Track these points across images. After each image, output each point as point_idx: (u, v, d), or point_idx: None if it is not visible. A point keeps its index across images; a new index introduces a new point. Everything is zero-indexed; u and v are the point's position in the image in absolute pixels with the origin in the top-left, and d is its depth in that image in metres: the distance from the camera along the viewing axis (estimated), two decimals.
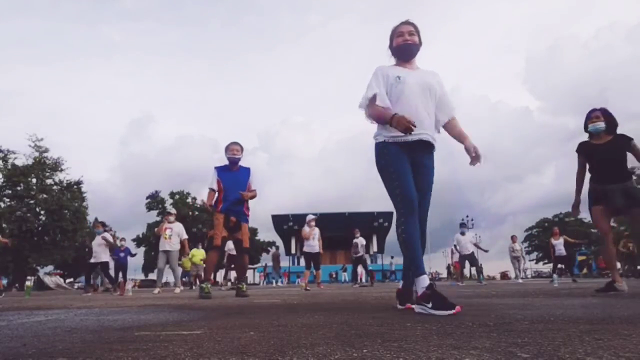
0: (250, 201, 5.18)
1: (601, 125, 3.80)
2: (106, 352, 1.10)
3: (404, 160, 2.35)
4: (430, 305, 1.96)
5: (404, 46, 2.45)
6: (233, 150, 5.05)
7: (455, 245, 11.52)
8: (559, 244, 11.42)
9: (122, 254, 12.00)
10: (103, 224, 9.90)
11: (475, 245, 11.88)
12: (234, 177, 5.04)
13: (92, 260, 9.42)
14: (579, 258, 33.70)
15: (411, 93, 2.37)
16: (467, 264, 11.52)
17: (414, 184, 2.34)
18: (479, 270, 11.74)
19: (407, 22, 2.49)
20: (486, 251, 12.85)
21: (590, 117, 3.87)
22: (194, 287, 13.21)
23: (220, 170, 5.09)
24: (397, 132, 2.27)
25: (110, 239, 9.70)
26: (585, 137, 4.03)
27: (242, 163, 5.20)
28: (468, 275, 20.50)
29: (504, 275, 33.90)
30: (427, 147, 2.41)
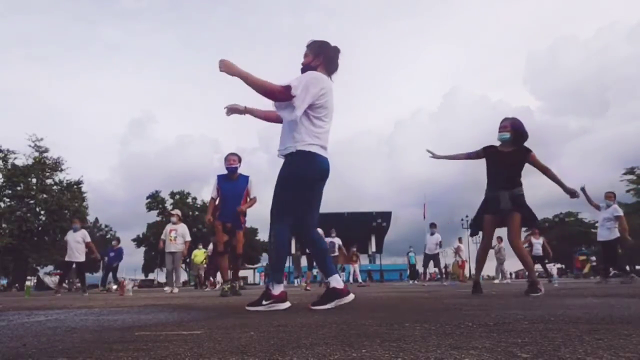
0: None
1: (507, 135, 3.94)
2: (106, 352, 1.10)
3: None
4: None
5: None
6: (230, 160, 5.36)
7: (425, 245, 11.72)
8: (537, 244, 11.75)
9: (112, 254, 11.90)
10: (81, 220, 9.62)
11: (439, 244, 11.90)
12: (232, 187, 5.37)
13: (66, 259, 8.98)
14: (580, 258, 33.67)
15: None
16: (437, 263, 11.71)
17: None
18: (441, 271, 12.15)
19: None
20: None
21: (501, 125, 4.00)
22: (200, 288, 13.22)
23: (221, 178, 5.43)
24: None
25: (88, 238, 9.18)
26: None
27: (241, 171, 5.49)
28: (468, 275, 20.49)
29: (520, 275, 33.11)
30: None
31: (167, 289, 8.71)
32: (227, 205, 5.29)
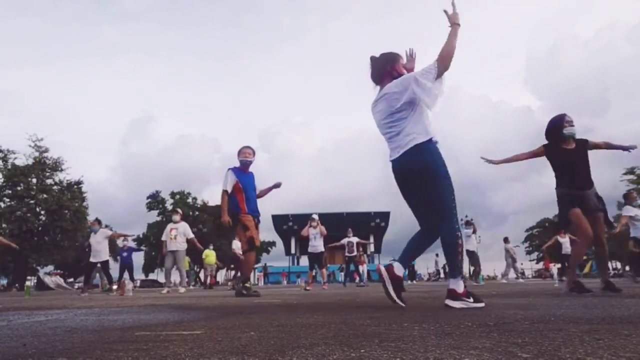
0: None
1: (575, 130, 3.90)
2: (106, 352, 1.10)
3: None
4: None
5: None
6: (245, 153, 5.19)
7: None
8: (565, 242, 11.33)
9: (125, 254, 11.95)
10: (99, 221, 9.77)
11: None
12: (249, 179, 5.20)
13: (92, 260, 9.18)
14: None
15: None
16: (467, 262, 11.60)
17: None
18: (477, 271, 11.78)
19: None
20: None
21: (567, 120, 3.93)
22: (207, 287, 13.17)
23: (237, 171, 5.17)
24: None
25: (109, 233, 9.55)
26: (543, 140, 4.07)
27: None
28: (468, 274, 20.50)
29: (543, 274, 32.05)
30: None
31: (164, 290, 8.52)
32: (251, 198, 5.10)
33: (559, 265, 12.21)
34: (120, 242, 12.71)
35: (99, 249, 9.10)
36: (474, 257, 11.27)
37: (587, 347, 0.99)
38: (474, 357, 0.90)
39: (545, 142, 4.03)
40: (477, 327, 1.43)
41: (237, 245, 10.59)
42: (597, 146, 3.97)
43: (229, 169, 5.18)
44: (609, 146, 4.00)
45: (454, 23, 2.45)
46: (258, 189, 5.32)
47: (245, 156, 5.16)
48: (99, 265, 9.43)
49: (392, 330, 1.40)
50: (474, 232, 11.53)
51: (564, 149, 3.92)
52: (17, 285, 24.77)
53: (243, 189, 5.03)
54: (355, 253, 11.44)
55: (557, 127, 3.94)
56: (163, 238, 8.81)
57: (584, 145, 3.93)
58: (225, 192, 5.05)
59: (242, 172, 5.17)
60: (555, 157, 3.97)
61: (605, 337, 1.14)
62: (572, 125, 3.90)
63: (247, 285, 5.11)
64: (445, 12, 2.50)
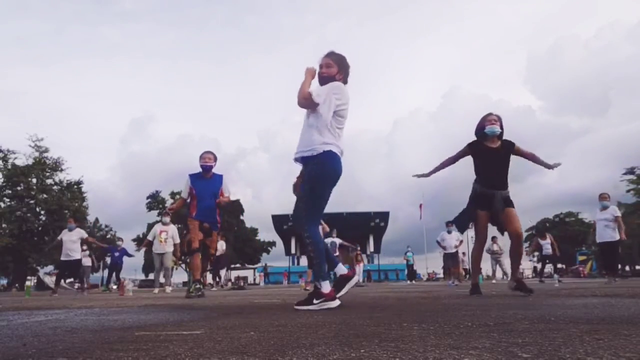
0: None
1: (497, 128, 3.92)
2: (106, 352, 1.10)
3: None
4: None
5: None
6: (205, 158, 5.21)
7: (437, 241, 11.59)
8: (546, 244, 11.99)
9: (117, 254, 11.95)
10: (75, 219, 9.73)
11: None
12: (206, 185, 5.21)
13: (62, 258, 8.96)
14: (580, 258, 33.65)
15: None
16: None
17: None
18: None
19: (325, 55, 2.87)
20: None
21: (490, 118, 3.96)
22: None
23: (193, 178, 5.24)
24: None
25: (85, 235, 9.31)
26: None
27: (215, 170, 5.33)
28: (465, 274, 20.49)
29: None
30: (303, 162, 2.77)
31: (155, 290, 8.73)
32: (204, 203, 5.12)
33: (559, 265, 12.35)
34: (116, 242, 12.73)
35: (72, 247, 8.90)
36: (454, 258, 11.33)
37: (587, 347, 0.99)
38: (473, 357, 0.90)
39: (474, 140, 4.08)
40: (477, 327, 1.43)
41: (219, 248, 10.91)
42: (522, 154, 3.98)
43: (188, 175, 5.28)
44: (534, 159, 4.01)
45: (306, 71, 2.75)
46: (226, 192, 5.26)
47: (205, 161, 5.19)
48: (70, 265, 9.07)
49: (391, 330, 1.40)
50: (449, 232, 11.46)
51: (486, 147, 3.96)
52: (17, 285, 24.78)
53: (196, 195, 5.15)
54: (337, 254, 11.34)
55: (481, 125, 4.00)
56: (150, 238, 8.90)
57: (509, 147, 3.93)
58: (181, 198, 5.36)
59: (201, 177, 5.22)
60: (477, 154, 4.01)
61: (605, 337, 1.14)
62: (494, 124, 3.92)
63: (194, 286, 5.04)
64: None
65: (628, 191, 31.41)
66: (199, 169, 5.19)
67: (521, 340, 1.12)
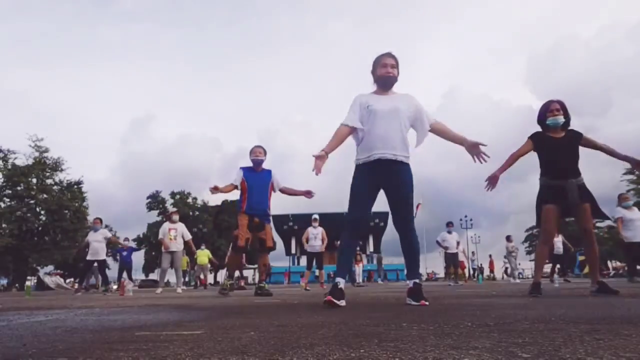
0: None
1: (561, 119, 3.66)
2: (106, 352, 1.10)
3: (364, 182, 2.76)
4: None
5: (385, 78, 2.81)
6: (256, 152, 5.25)
7: (437, 241, 11.56)
8: (557, 242, 11.16)
9: (125, 253, 11.98)
10: (101, 220, 9.83)
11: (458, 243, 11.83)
12: (258, 178, 5.22)
13: (89, 258, 9.19)
14: (580, 258, 33.63)
15: (380, 118, 2.73)
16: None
17: (388, 200, 2.78)
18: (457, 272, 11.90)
19: (390, 55, 2.84)
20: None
21: (552, 109, 3.69)
22: (197, 288, 13.20)
23: (246, 170, 5.25)
24: (363, 155, 2.75)
25: (109, 234, 9.62)
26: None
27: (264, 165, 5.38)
28: (467, 275, 20.50)
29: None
30: (393, 164, 2.71)
31: (158, 290, 8.52)
32: (254, 197, 5.11)
33: (559, 265, 12.19)
34: (121, 241, 12.76)
35: (98, 247, 9.17)
36: (455, 258, 11.34)
37: (587, 347, 0.99)
38: (473, 357, 0.90)
39: (536, 131, 3.82)
40: (476, 327, 1.43)
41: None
42: (595, 146, 3.63)
43: (240, 167, 5.30)
44: (611, 153, 3.61)
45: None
46: (277, 186, 5.33)
47: (257, 155, 5.22)
48: (95, 264, 9.42)
49: (391, 330, 1.40)
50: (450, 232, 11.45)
51: (549, 137, 3.70)
52: (17, 285, 24.80)
53: (248, 188, 5.11)
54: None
55: (542, 114, 3.76)
56: (161, 237, 8.72)
57: (576, 138, 3.66)
58: (232, 184, 5.16)
59: (253, 171, 5.25)
60: (541, 146, 3.74)
61: (605, 337, 1.14)
62: (556, 114, 3.64)
63: (228, 283, 5.22)
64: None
65: (628, 191, 31.45)
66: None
67: (521, 340, 1.12)
